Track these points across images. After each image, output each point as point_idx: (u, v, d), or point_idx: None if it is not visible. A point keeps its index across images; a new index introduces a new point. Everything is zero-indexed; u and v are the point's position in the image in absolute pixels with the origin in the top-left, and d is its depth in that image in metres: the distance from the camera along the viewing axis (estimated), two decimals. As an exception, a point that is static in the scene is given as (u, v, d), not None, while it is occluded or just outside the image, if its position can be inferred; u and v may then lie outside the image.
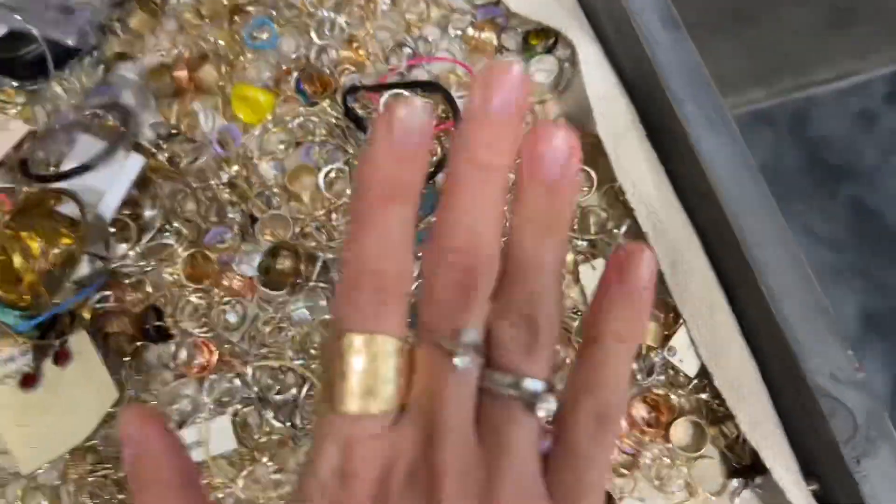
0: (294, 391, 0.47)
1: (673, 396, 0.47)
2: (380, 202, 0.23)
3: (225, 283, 0.49)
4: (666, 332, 0.48)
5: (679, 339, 0.47)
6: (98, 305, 0.48)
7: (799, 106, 1.23)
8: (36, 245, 0.47)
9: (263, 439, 0.46)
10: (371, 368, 0.23)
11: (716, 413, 0.47)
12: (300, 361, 0.47)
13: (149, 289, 0.49)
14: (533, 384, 0.23)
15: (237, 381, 0.47)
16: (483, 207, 0.24)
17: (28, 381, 0.46)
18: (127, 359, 0.48)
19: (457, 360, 0.23)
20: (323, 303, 0.49)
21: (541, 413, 0.23)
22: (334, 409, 0.23)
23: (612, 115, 0.50)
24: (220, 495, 0.46)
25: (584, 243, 0.50)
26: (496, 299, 0.24)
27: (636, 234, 0.50)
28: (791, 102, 1.21)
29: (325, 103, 0.53)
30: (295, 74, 0.53)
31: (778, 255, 0.44)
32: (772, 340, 0.43)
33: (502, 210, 0.24)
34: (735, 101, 1.23)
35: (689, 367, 0.47)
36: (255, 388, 0.47)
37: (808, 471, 0.43)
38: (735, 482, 0.45)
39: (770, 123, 1.20)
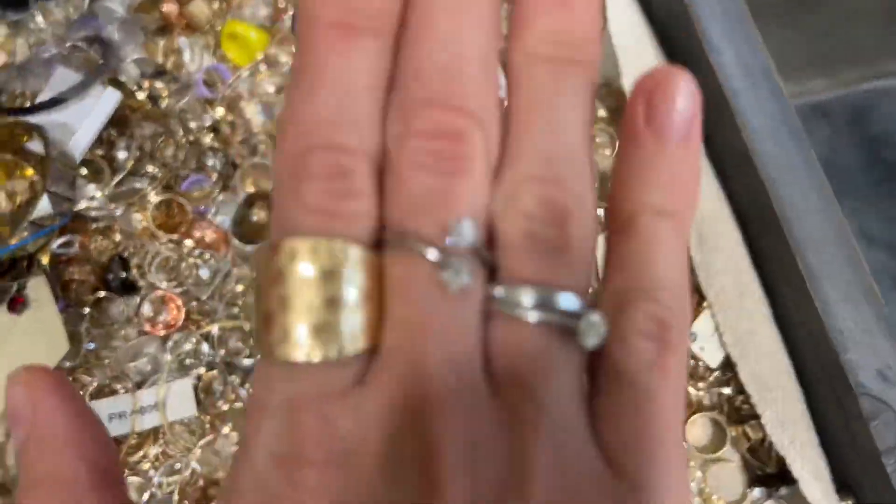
0: (264, 356, 0.42)
1: (691, 389, 0.41)
2: (334, 38, 0.15)
3: (198, 234, 0.44)
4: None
5: (701, 323, 0.41)
6: (60, 251, 0.44)
7: (861, 99, 1.14)
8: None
9: (227, 408, 0.42)
10: (325, 290, 0.15)
11: (739, 411, 0.41)
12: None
13: (117, 236, 0.45)
14: (568, 300, 0.15)
15: (204, 343, 0.43)
16: (468, 36, 0.16)
17: (-21, 327, 0.43)
18: (87, 310, 0.43)
19: (447, 274, 0.15)
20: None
21: (590, 341, 0.15)
22: (272, 357, 0.15)
23: (640, 66, 0.44)
24: (178, 465, 0.41)
25: (601, 211, 0.45)
26: (496, 180, 0.16)
27: (659, 202, 0.44)
28: (853, 95, 1.12)
29: (322, 45, 0.48)
30: (291, 12, 0.48)
31: (821, 229, 0.37)
32: (808, 329, 0.37)
33: (498, 39, 0.16)
34: (791, 92, 1.15)
35: (712, 357, 0.41)
36: (222, 352, 0.43)
37: (843, 483, 0.37)
38: (757, 492, 0.39)
39: (827, 116, 1.12)
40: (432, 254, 0.15)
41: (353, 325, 0.15)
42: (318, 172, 0.15)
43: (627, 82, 0.44)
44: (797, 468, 0.37)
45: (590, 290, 0.16)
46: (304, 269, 0.15)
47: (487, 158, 0.16)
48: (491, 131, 0.16)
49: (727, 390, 0.41)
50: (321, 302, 0.15)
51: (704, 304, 0.41)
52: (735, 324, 0.40)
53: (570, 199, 0.16)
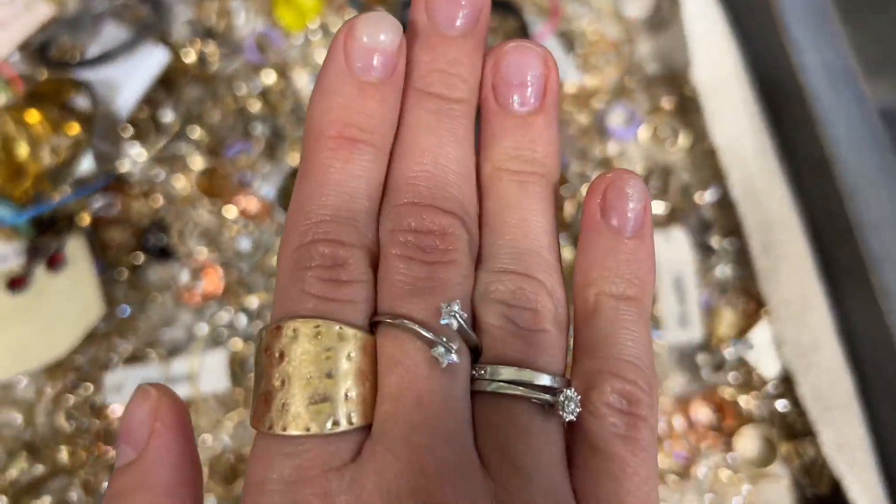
0: (302, 334, 0.41)
1: (743, 399, 0.39)
2: (336, 148, 0.18)
3: (241, 203, 0.43)
4: (745, 323, 0.40)
5: (759, 333, 0.39)
6: (100, 212, 0.43)
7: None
8: (42, 132, 0.42)
9: (261, 383, 0.41)
10: (323, 367, 0.16)
11: (792, 427, 0.39)
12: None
13: (158, 200, 0.44)
14: (545, 376, 0.17)
15: (241, 315, 0.42)
16: (447, 150, 0.18)
17: (16, 283, 0.42)
18: (125, 274, 0.42)
19: (438, 351, 0.16)
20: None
21: (569, 414, 0.17)
22: (272, 432, 0.16)
23: (714, 59, 0.42)
24: (208, 438, 0.40)
25: (662, 207, 0.43)
26: (475, 274, 0.18)
27: (723, 202, 0.42)
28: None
29: (380, 16, 0.46)
30: (350, -20, 0.46)
31: (900, 245, 0.35)
32: (878, 349, 0.35)
33: (471, 152, 0.19)
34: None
35: (768, 368, 0.39)
36: (260, 325, 0.42)
37: (904, 513, 0.35)
38: (806, 513, 0.38)
39: (891, 122, 1.07)
40: (424, 333, 0.16)
41: (349, 399, 0.16)
42: (320, 263, 0.17)
43: (698, 72, 0.42)
44: (853, 492, 0.35)
45: (565, 368, 0.18)
46: (303, 346, 0.16)
47: (469, 251, 0.18)
48: (471, 228, 0.18)
49: (781, 404, 0.39)
50: (319, 378, 0.16)
51: (762, 310, 0.40)
52: (797, 336, 0.38)
53: (540, 287, 0.18)
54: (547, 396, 0.17)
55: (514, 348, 0.17)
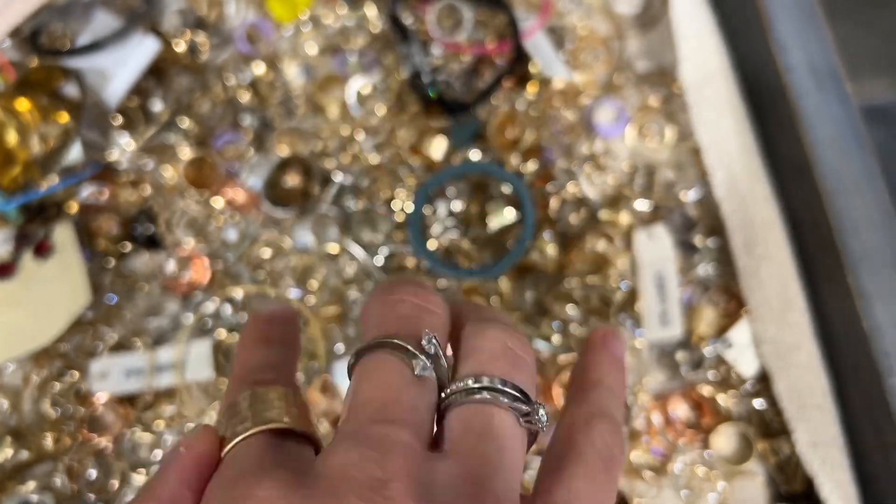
0: (286, 325, 0.42)
1: (721, 397, 0.40)
2: (251, 383, 0.22)
3: (228, 194, 0.43)
4: (725, 322, 0.40)
5: (738, 332, 0.40)
6: (88, 200, 0.43)
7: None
8: (32, 120, 0.42)
9: (245, 373, 0.41)
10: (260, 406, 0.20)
11: (769, 425, 0.39)
12: (298, 293, 0.42)
13: (146, 190, 0.44)
14: (521, 392, 0.19)
15: (227, 305, 0.42)
16: (428, 299, 0.22)
17: (4, 269, 0.42)
18: (112, 262, 0.43)
19: (414, 362, 0.19)
20: (333, 230, 0.43)
21: (536, 425, 0.19)
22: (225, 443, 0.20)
23: (701, 57, 0.42)
24: (192, 427, 0.41)
25: (646, 204, 0.43)
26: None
27: (707, 201, 0.42)
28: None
29: (370, 9, 0.46)
30: (341, -28, 0.46)
31: (878, 248, 0.36)
32: (854, 350, 0.36)
33: (446, 313, 0.22)
34: (850, 92, 1.09)
35: (746, 367, 0.39)
36: (245, 315, 0.42)
37: (874, 512, 0.35)
38: (780, 510, 0.38)
39: (886, 121, 1.07)
40: (404, 344, 0.19)
41: (278, 407, 0.20)
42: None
43: (685, 70, 0.42)
44: (826, 490, 0.36)
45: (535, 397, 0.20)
46: (250, 402, 0.20)
47: (442, 322, 0.21)
48: (443, 310, 0.22)
49: (759, 402, 0.39)
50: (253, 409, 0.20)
51: (743, 310, 0.40)
52: (777, 336, 0.38)
53: (527, 345, 0.21)
54: (522, 406, 0.19)
55: (497, 365, 0.20)
